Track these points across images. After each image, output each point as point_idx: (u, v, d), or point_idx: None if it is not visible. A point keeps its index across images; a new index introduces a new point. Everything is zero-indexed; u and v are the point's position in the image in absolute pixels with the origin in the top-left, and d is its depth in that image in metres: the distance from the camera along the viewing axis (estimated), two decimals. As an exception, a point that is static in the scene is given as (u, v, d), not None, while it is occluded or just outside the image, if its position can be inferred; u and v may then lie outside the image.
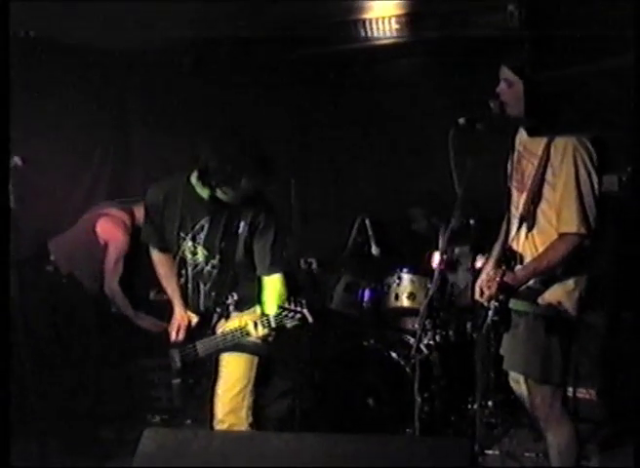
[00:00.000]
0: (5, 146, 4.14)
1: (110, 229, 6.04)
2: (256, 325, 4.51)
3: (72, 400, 6.29)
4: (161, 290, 5.22)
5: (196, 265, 4.79)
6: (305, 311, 4.36)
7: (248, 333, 4.57)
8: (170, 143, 7.65)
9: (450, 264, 6.15)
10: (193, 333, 4.88)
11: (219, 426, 4.73)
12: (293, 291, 4.81)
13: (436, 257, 6.19)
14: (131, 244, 6.06)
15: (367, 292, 6.43)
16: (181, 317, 4.92)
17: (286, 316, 4.40)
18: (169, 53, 7.67)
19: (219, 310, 4.73)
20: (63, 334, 6.18)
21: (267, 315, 4.52)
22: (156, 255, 5.04)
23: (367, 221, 6.52)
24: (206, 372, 4.86)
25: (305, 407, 5.98)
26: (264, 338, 4.57)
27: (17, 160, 4.71)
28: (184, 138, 7.55)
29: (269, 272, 4.68)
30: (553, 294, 4.03)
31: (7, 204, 4.50)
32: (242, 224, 4.59)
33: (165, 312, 5.19)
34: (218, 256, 4.69)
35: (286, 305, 4.42)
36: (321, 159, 7.64)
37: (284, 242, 4.76)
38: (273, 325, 4.45)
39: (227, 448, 3.30)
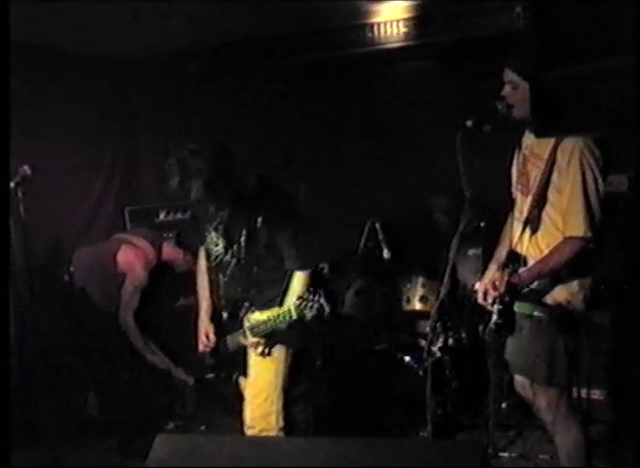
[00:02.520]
0: (6, 153, 4.14)
1: (130, 261, 6.07)
2: (277, 317, 4.46)
3: (84, 406, 6.32)
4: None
5: (217, 256, 4.79)
6: (322, 300, 4.29)
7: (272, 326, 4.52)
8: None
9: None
10: (223, 326, 4.85)
11: (249, 431, 4.70)
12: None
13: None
14: (149, 279, 6.08)
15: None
16: (206, 326, 4.87)
17: (305, 306, 4.31)
18: (176, 58, 7.70)
19: (246, 304, 4.69)
20: (74, 341, 6.21)
21: (289, 307, 4.43)
22: (201, 258, 5.01)
23: (377, 225, 6.51)
24: (237, 368, 4.83)
25: (318, 411, 5.98)
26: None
27: (25, 169, 4.73)
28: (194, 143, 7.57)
29: (291, 267, 4.61)
30: (557, 296, 4.03)
31: (7, 212, 4.50)
32: (260, 219, 4.56)
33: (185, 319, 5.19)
34: (235, 247, 4.67)
35: (305, 295, 4.35)
36: (331, 163, 7.64)
37: (304, 238, 4.65)
38: (294, 316, 4.37)
39: (239, 453, 3.31)
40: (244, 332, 4.63)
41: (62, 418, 5.58)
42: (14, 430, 4.09)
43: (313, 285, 4.48)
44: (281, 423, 4.72)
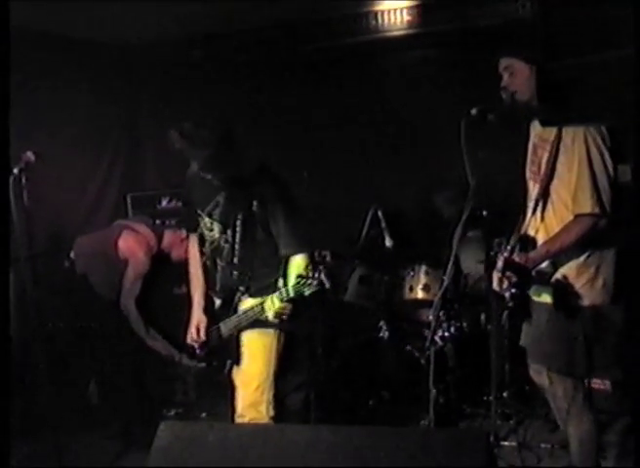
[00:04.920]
0: (6, 139, 4.13)
1: (132, 247, 6.04)
2: (272, 299, 4.42)
3: (85, 394, 6.33)
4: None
5: (212, 242, 4.75)
6: (323, 276, 4.21)
7: (265, 310, 4.47)
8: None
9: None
10: (216, 314, 4.81)
11: (239, 420, 4.65)
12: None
13: None
14: (151, 266, 6.06)
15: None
16: (199, 319, 4.84)
17: (303, 284, 4.25)
18: (179, 47, 7.69)
19: (241, 289, 4.65)
20: (75, 329, 6.21)
21: (286, 286, 4.39)
22: (192, 246, 4.97)
23: (380, 213, 6.51)
24: (230, 356, 4.76)
25: (321, 399, 5.99)
26: (282, 312, 4.46)
27: (29, 155, 4.71)
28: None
29: (287, 252, 4.55)
30: (577, 284, 4.00)
31: (7, 199, 4.49)
32: (255, 202, 4.52)
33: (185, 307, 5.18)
34: (229, 231, 4.63)
35: (304, 273, 4.29)
36: (334, 151, 7.62)
37: (300, 219, 4.60)
38: (292, 294, 4.32)
39: (243, 440, 3.31)
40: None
41: (64, 406, 5.58)
42: (15, 419, 4.09)
43: (313, 263, 4.39)
44: (272, 412, 4.65)
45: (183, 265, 5.13)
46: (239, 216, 4.59)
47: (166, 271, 6.25)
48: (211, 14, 6.71)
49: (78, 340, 6.23)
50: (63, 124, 6.89)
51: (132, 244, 6.05)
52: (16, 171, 4.64)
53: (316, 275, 4.24)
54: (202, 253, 4.91)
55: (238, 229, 4.61)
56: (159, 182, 7.82)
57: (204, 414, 6.30)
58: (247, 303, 4.65)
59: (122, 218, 6.79)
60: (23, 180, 4.67)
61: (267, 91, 7.61)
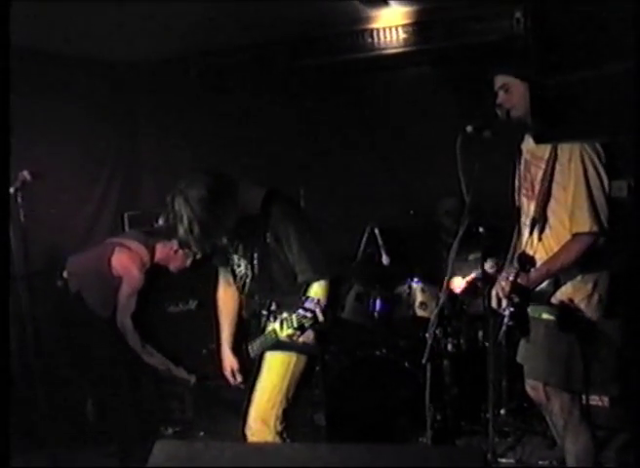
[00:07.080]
0: (6, 158, 4.12)
1: (125, 264, 6.01)
2: (282, 324, 4.40)
3: (82, 412, 6.31)
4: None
5: (241, 277, 4.79)
6: (317, 310, 4.20)
7: (277, 332, 4.46)
8: (180, 153, 7.68)
9: (472, 289, 6.14)
10: (246, 336, 4.86)
11: (247, 432, 4.63)
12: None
13: (458, 282, 6.18)
14: (145, 281, 6.05)
15: (378, 302, 6.42)
16: (231, 363, 4.87)
17: (304, 316, 4.25)
18: (177, 64, 7.71)
19: (264, 313, 4.67)
20: (71, 347, 6.19)
21: (292, 315, 4.37)
22: (220, 288, 5.01)
23: (376, 231, 6.52)
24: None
25: (318, 416, 5.97)
26: (290, 338, 4.41)
27: (25, 175, 4.72)
28: (194, 149, 7.59)
29: (303, 278, 4.56)
30: (573, 298, 4.00)
31: (7, 216, 4.49)
32: (268, 234, 4.55)
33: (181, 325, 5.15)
34: (249, 266, 4.68)
35: (307, 305, 4.27)
36: (330, 168, 7.64)
37: (314, 243, 4.58)
38: (295, 325, 4.30)
39: (239, 459, 3.28)
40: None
41: (61, 425, 5.57)
42: (13, 437, 4.08)
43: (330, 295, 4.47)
44: (279, 428, 4.60)
45: (183, 279, 5.11)
46: (256, 251, 4.64)
47: (161, 286, 6.24)
48: (206, 31, 6.73)
49: (75, 358, 6.22)
50: (60, 143, 6.91)
51: (125, 261, 6.02)
52: (12, 190, 4.65)
53: (312, 306, 4.23)
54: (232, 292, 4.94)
55: (256, 263, 4.66)
56: (157, 200, 7.81)
57: (202, 433, 6.28)
58: (272, 326, 4.64)
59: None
60: (19, 200, 4.68)
61: (262, 108, 7.62)
